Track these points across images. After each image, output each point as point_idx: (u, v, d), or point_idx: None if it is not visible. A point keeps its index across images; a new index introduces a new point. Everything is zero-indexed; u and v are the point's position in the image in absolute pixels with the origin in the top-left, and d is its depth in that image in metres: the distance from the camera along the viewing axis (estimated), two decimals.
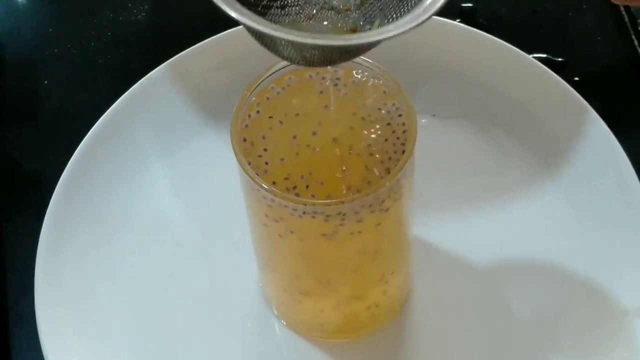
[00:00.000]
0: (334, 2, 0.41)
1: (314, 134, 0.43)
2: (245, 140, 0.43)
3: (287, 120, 0.44)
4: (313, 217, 0.42)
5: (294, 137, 0.43)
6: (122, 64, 0.64)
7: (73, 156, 0.55)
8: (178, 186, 0.57)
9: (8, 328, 0.53)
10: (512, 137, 0.57)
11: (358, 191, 0.42)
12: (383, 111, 0.44)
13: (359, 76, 0.45)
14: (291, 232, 0.43)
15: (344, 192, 0.42)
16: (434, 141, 0.54)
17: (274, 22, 0.40)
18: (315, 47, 0.38)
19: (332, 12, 0.41)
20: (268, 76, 0.45)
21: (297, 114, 0.44)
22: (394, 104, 0.44)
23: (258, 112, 0.44)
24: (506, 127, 0.57)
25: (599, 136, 0.55)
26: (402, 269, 0.50)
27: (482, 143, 0.57)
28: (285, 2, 0.41)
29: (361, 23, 0.41)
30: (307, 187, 0.42)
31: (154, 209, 0.55)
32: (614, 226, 0.52)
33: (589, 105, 0.56)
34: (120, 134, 0.57)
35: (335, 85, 0.45)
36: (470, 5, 0.65)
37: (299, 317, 0.51)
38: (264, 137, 0.43)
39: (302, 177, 0.42)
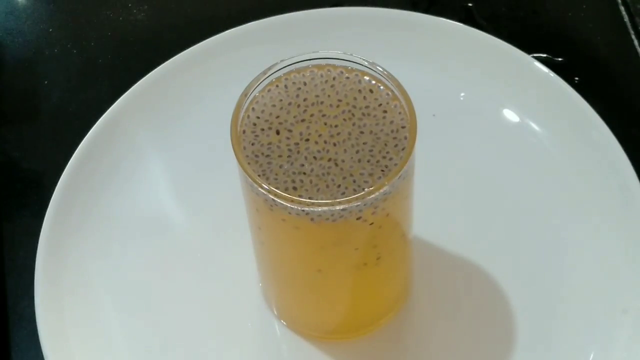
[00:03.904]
0: None
1: (313, 133, 0.43)
2: (244, 139, 0.43)
3: (287, 120, 0.44)
4: (312, 217, 0.42)
5: (293, 137, 0.43)
6: (122, 64, 0.64)
7: (73, 156, 0.55)
8: (178, 186, 0.57)
9: (8, 328, 0.53)
10: (512, 137, 0.57)
11: (357, 191, 0.42)
12: (383, 111, 0.44)
13: (360, 76, 0.45)
14: (290, 232, 0.43)
15: (344, 192, 0.42)
16: (434, 141, 0.54)
17: None
18: None
19: None
20: (268, 76, 0.45)
21: (297, 114, 0.44)
22: (394, 104, 0.44)
23: (257, 111, 0.44)
24: (506, 127, 0.57)
25: (599, 136, 0.55)
26: (402, 269, 0.50)
27: (482, 143, 0.57)
28: None
29: None
30: (307, 190, 0.42)
31: (154, 209, 0.55)
32: (614, 226, 0.52)
33: (589, 105, 0.56)
34: (120, 134, 0.57)
35: (335, 82, 0.45)
36: (470, 5, 0.65)
37: (299, 317, 0.51)
38: (263, 137, 0.43)
39: (301, 176, 0.42)
